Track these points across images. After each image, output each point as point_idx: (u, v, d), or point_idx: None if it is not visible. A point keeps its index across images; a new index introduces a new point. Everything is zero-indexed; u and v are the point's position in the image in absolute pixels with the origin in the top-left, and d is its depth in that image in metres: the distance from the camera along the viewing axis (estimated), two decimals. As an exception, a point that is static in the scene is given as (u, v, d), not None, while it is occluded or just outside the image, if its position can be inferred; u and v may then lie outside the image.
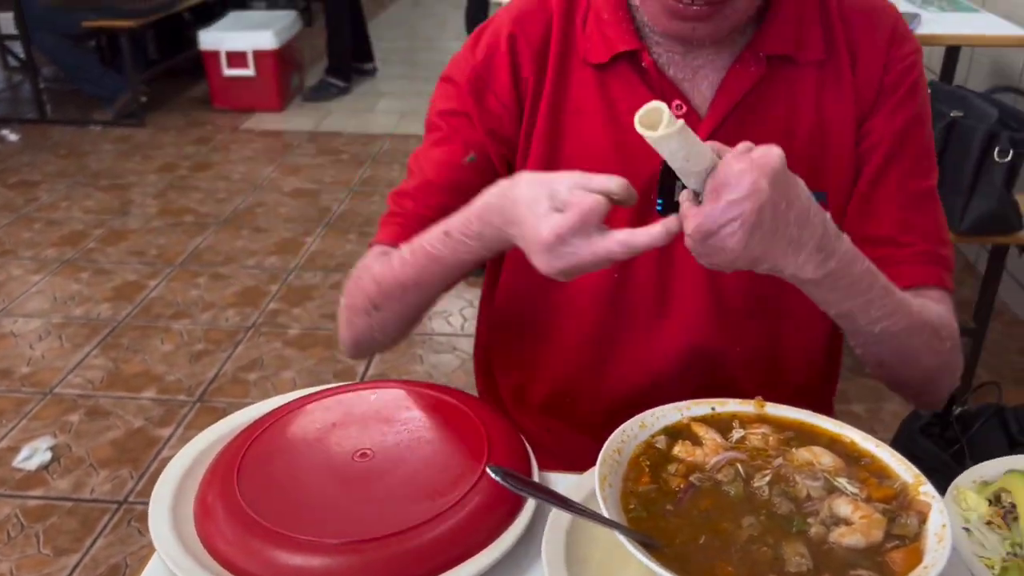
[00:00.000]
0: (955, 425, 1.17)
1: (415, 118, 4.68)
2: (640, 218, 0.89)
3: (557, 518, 0.64)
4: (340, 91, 5.01)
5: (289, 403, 0.76)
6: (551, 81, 0.93)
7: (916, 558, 0.55)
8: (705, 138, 0.82)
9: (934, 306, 0.89)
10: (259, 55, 4.55)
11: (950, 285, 0.93)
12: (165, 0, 4.46)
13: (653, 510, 0.60)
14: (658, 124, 0.64)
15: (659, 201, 0.84)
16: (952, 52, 2.54)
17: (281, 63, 4.65)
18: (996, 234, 2.11)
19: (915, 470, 0.62)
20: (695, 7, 0.81)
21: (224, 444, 0.70)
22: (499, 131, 0.95)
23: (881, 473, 0.63)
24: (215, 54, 4.56)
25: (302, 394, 0.78)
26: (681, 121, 0.66)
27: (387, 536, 0.60)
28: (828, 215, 0.74)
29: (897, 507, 0.61)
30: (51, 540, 1.91)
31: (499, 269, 1.04)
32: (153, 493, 0.66)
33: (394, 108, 4.92)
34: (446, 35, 6.54)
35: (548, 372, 1.01)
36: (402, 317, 0.94)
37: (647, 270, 0.92)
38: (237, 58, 4.55)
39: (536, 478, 0.69)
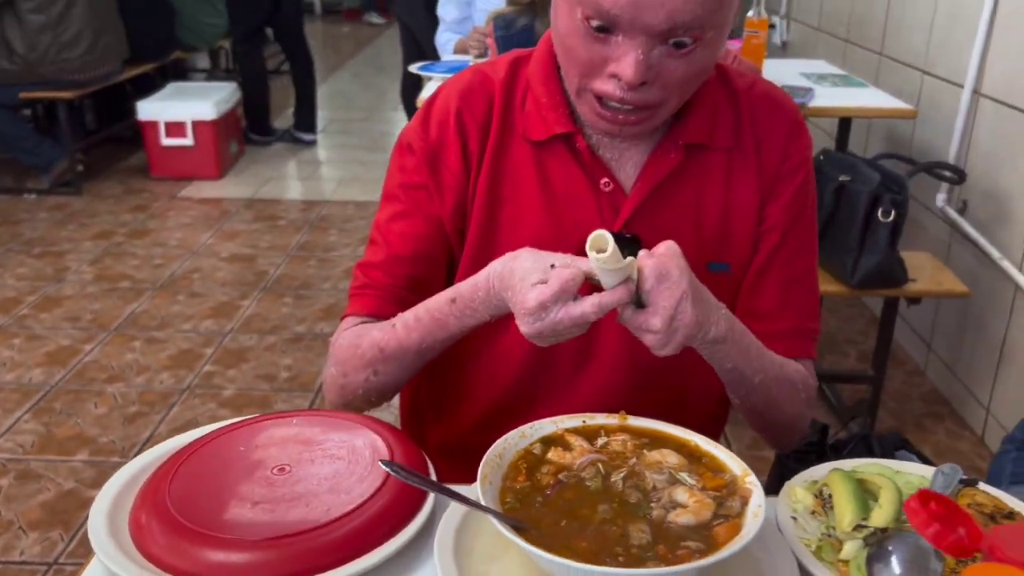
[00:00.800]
0: (829, 453, 1.30)
1: (353, 185, 4.81)
2: None
3: (448, 517, 0.75)
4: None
5: (218, 428, 0.85)
6: (491, 154, 1.01)
7: (736, 531, 0.67)
8: (630, 214, 0.97)
9: (796, 366, 1.02)
10: (198, 125, 4.65)
11: (814, 354, 1.06)
12: (105, 72, 4.53)
13: (526, 502, 0.71)
14: (605, 244, 0.76)
15: None
16: (845, 123, 2.78)
17: (220, 132, 4.76)
18: (885, 288, 2.30)
19: (744, 465, 0.74)
20: (621, 115, 0.91)
21: (158, 464, 0.79)
22: (452, 201, 1.01)
23: (717, 468, 0.76)
24: (154, 124, 4.64)
25: (231, 422, 0.87)
26: (630, 259, 0.79)
27: (301, 532, 0.70)
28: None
29: (726, 493, 0.73)
30: (-21, 601, 1.92)
31: None
32: (91, 508, 0.75)
33: (332, 175, 5.05)
34: (384, 106, 6.73)
35: (472, 422, 1.07)
36: (399, 381, 1.00)
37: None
38: (176, 128, 4.64)
39: (431, 502, 0.79)
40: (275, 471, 0.79)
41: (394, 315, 1.00)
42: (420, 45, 4.28)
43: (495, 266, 0.87)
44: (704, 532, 0.68)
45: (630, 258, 0.79)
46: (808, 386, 1.03)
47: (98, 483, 2.29)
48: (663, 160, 0.99)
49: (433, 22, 3.52)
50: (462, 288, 0.90)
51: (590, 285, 0.81)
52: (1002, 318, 2.43)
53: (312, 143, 5.61)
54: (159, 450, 0.83)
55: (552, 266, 0.81)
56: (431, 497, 0.77)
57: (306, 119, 5.58)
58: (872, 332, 3.16)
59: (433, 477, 0.81)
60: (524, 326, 0.81)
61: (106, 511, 0.74)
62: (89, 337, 3.07)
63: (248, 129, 5.46)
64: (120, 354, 2.96)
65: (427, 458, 0.82)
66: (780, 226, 1.02)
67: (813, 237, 1.06)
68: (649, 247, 0.96)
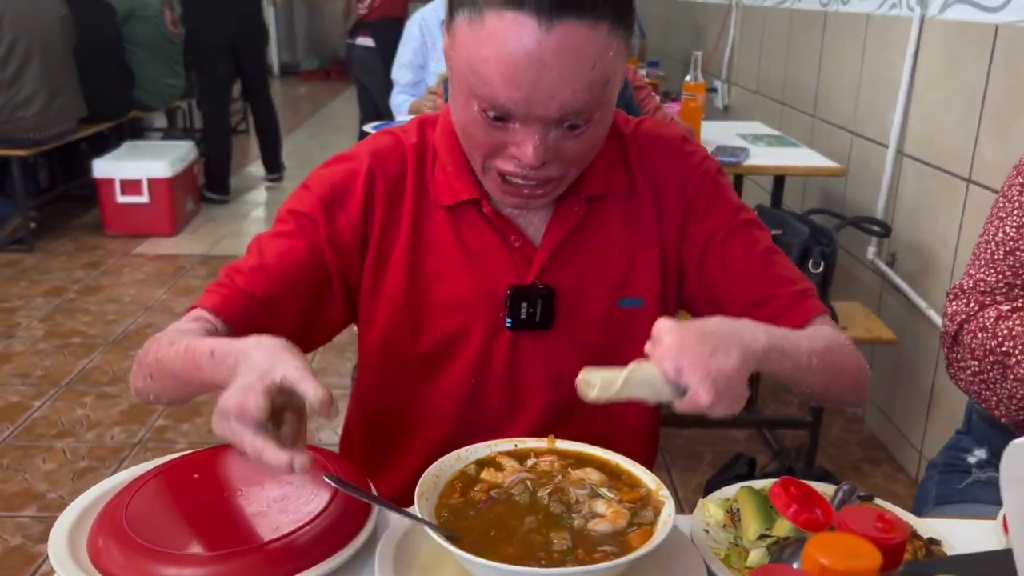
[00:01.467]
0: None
1: (308, 242, 4.85)
2: (493, 333, 1.05)
3: (389, 534, 0.81)
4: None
5: (174, 458, 0.91)
6: (408, 219, 1.05)
7: (648, 537, 0.74)
8: (541, 267, 1.02)
9: (824, 328, 1.04)
10: (153, 183, 4.69)
11: (823, 306, 1.08)
12: (60, 131, 4.57)
13: (459, 516, 0.78)
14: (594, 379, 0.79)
15: (508, 320, 1.03)
16: (779, 180, 2.93)
17: (176, 190, 4.80)
18: (818, 335, 2.40)
19: (658, 480, 0.82)
20: (526, 189, 0.96)
21: (116, 491, 0.85)
22: (341, 245, 1.04)
23: (634, 483, 0.83)
24: (109, 181, 4.67)
25: (186, 453, 0.93)
26: (627, 370, 0.80)
27: (252, 547, 0.75)
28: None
29: (640, 505, 0.80)
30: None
31: (368, 373, 1.13)
32: (51, 533, 0.80)
33: (287, 233, 5.08)
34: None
35: (408, 469, 1.08)
36: (172, 395, 0.99)
37: (500, 377, 1.06)
38: (131, 186, 4.68)
39: (375, 510, 0.85)
40: (227, 495, 0.84)
41: (234, 320, 1.00)
42: (377, 105, 4.41)
43: (247, 343, 0.83)
44: (620, 538, 0.75)
45: (626, 371, 0.80)
46: (842, 336, 1.06)
47: (46, 538, 2.27)
48: (567, 214, 1.05)
49: (390, 83, 3.64)
50: (222, 346, 0.86)
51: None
52: (930, 364, 2.56)
53: (279, 179, 6.03)
54: (118, 478, 0.88)
55: (270, 381, 0.77)
56: (373, 516, 0.83)
57: (273, 161, 5.96)
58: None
59: (376, 513, 0.86)
60: (214, 419, 0.78)
61: (66, 535, 0.79)
62: (39, 393, 3.06)
63: (205, 187, 5.54)
64: (70, 410, 2.95)
65: (370, 483, 0.88)
66: (721, 229, 1.07)
67: (756, 222, 1.11)
68: (562, 295, 1.04)
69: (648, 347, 0.83)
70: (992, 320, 1.13)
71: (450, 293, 1.05)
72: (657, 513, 0.78)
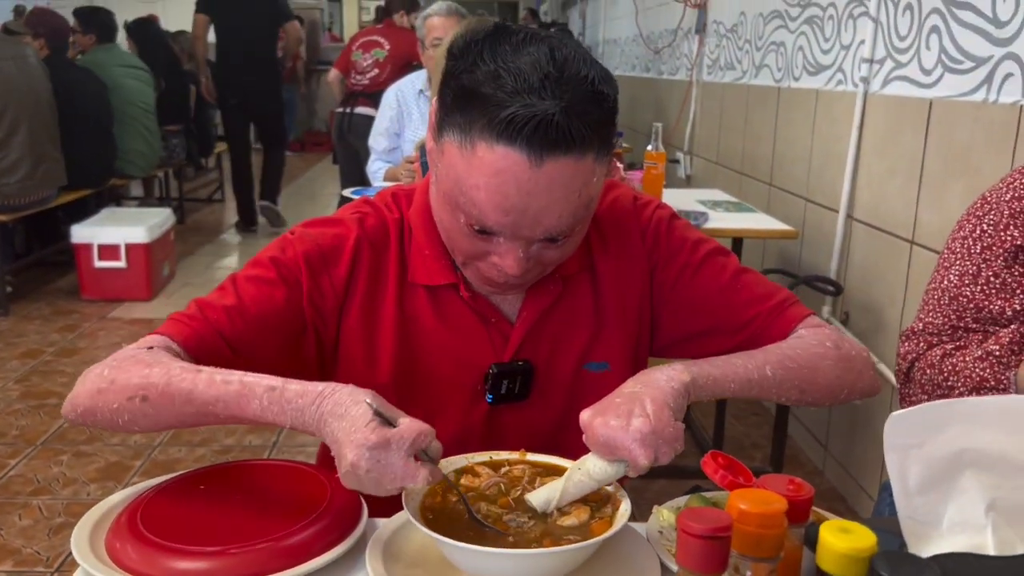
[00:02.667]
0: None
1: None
2: (471, 406, 1.09)
3: (379, 532, 0.91)
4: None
5: (183, 473, 1.00)
6: (393, 294, 1.08)
7: (608, 526, 0.85)
8: (519, 343, 1.08)
9: (800, 332, 1.09)
10: (131, 248, 4.76)
11: (806, 311, 1.13)
12: (41, 197, 4.66)
13: (440, 513, 0.89)
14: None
15: (490, 396, 1.09)
16: (737, 242, 3.09)
17: (153, 255, 4.87)
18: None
19: (618, 486, 0.93)
20: (508, 286, 1.03)
21: (131, 499, 0.94)
22: (320, 307, 1.06)
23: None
24: (87, 246, 4.73)
25: (194, 469, 1.02)
26: (558, 492, 0.89)
27: (254, 542, 0.84)
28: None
29: (602, 502, 0.91)
30: None
31: None
32: (73, 534, 0.89)
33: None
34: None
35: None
36: (157, 423, 0.94)
37: (478, 445, 1.04)
38: (109, 251, 4.74)
39: (365, 519, 0.94)
40: (235, 498, 0.94)
41: (200, 356, 0.98)
42: (362, 169, 4.59)
43: (339, 388, 0.87)
44: (583, 530, 0.86)
45: (562, 481, 0.89)
46: (822, 334, 1.09)
47: (22, 592, 2.30)
48: (543, 293, 1.10)
49: None
50: (290, 384, 0.88)
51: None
52: (883, 416, 2.68)
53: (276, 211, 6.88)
54: (132, 490, 0.98)
55: (388, 419, 0.83)
56: (363, 519, 0.93)
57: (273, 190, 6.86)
58: (763, 425, 3.40)
59: (365, 514, 0.95)
60: (354, 457, 0.81)
61: (87, 536, 0.88)
62: (15, 452, 3.08)
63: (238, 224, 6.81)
64: (46, 468, 2.97)
65: (361, 497, 0.97)
66: (687, 267, 1.12)
67: (718, 250, 1.15)
68: (538, 367, 1.10)
69: (584, 440, 0.90)
70: (939, 358, 1.25)
71: (432, 368, 1.09)
72: (616, 509, 0.89)
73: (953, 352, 1.24)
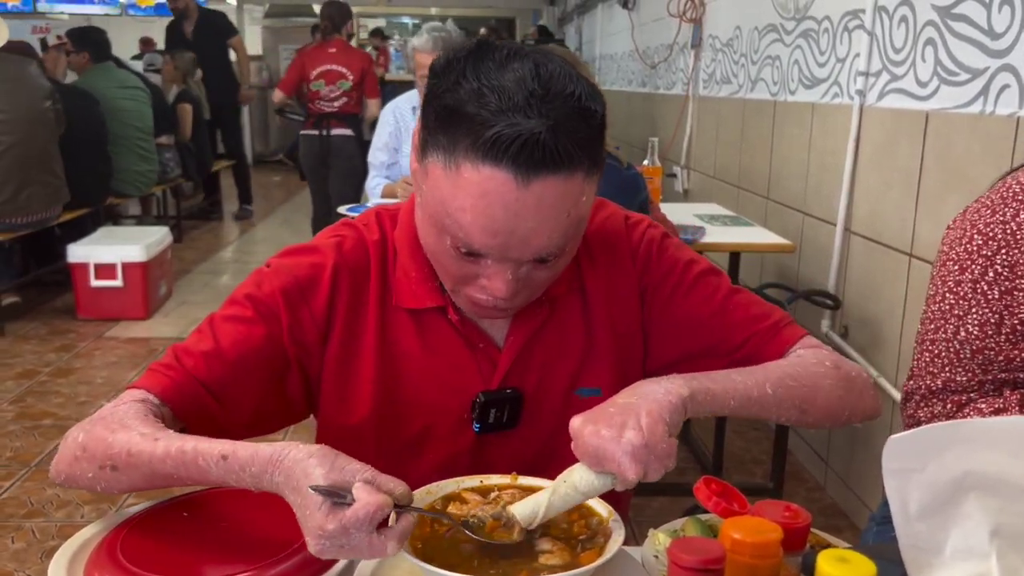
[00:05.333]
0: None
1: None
2: (458, 434, 1.06)
3: (365, 562, 0.88)
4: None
5: (164, 500, 0.98)
6: (374, 320, 1.05)
7: (599, 555, 0.83)
8: (507, 369, 1.05)
9: (797, 351, 1.07)
10: (128, 267, 4.74)
11: (801, 331, 1.10)
12: (39, 218, 4.65)
13: (428, 542, 0.87)
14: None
15: (477, 425, 1.05)
16: (735, 256, 3.08)
17: (149, 274, 4.85)
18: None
19: (610, 508, 0.90)
20: (496, 310, 0.99)
21: (110, 528, 0.91)
22: (302, 340, 1.03)
23: (588, 513, 0.91)
24: (84, 266, 4.72)
25: (175, 495, 0.99)
26: (543, 505, 0.87)
27: (235, 573, 0.82)
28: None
29: (591, 533, 0.89)
30: None
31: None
32: (51, 564, 0.86)
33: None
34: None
35: None
36: (139, 487, 0.93)
37: (466, 473, 1.00)
38: (106, 270, 4.72)
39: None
40: (219, 526, 0.92)
41: (181, 407, 0.96)
42: (356, 187, 4.62)
43: (285, 454, 0.82)
44: (572, 563, 0.83)
45: (547, 493, 0.87)
46: (821, 354, 1.07)
47: (13, 617, 2.27)
48: (531, 316, 1.07)
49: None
50: (240, 451, 0.85)
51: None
52: (884, 432, 2.66)
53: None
54: (112, 519, 0.95)
55: (344, 488, 0.78)
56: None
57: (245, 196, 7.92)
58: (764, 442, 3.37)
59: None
60: (313, 546, 0.78)
61: (65, 566, 0.85)
62: (9, 474, 3.05)
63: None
64: (40, 490, 2.94)
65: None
66: (678, 288, 1.09)
67: (711, 271, 1.12)
68: (528, 393, 1.06)
69: (572, 448, 0.86)
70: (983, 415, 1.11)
71: (416, 396, 1.06)
72: (608, 537, 0.86)
73: (987, 414, 1.12)
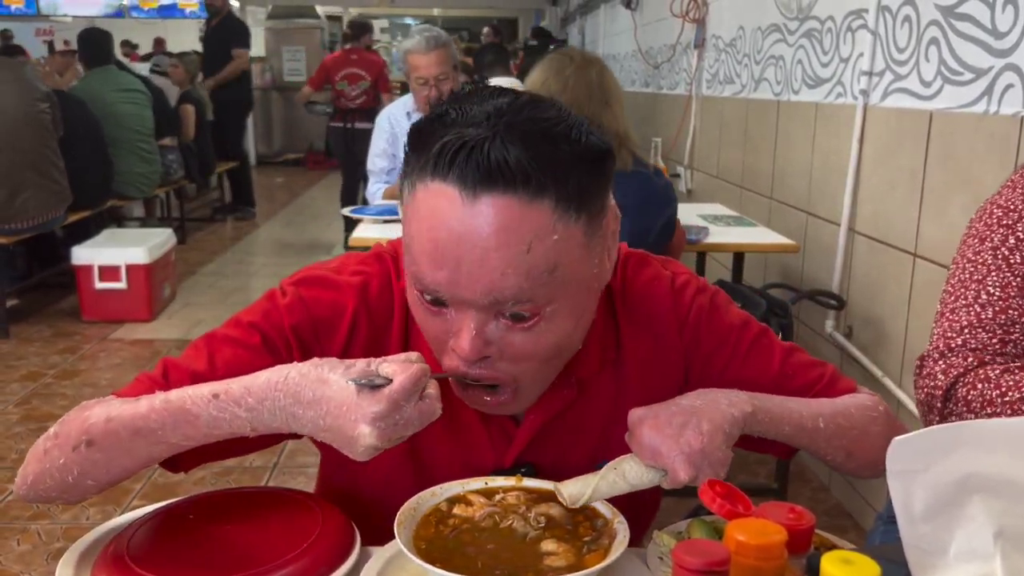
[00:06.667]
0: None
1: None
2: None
3: (371, 564, 0.88)
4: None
5: (169, 503, 0.98)
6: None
7: (604, 557, 0.83)
8: (523, 447, 0.98)
9: (857, 395, 1.05)
10: (132, 269, 4.75)
11: (852, 381, 1.07)
12: (44, 221, 4.66)
13: (432, 543, 0.86)
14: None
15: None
16: (739, 257, 3.08)
17: (153, 276, 4.86)
18: (780, 403, 2.50)
19: (615, 510, 0.90)
20: (487, 396, 0.89)
21: (118, 531, 0.93)
22: None
23: (593, 515, 0.91)
24: (88, 268, 4.72)
25: (182, 498, 1.00)
26: (590, 487, 0.88)
27: (242, 575, 0.82)
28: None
29: (596, 535, 0.89)
30: None
31: (329, 486, 1.09)
32: (59, 566, 0.87)
33: (264, 317, 5.16)
34: (316, 252, 6.95)
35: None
36: (110, 466, 0.87)
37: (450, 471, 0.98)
38: (110, 272, 4.73)
39: (358, 547, 0.92)
40: (227, 527, 0.92)
41: None
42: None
43: (285, 374, 0.79)
44: (577, 565, 0.83)
45: (596, 478, 0.87)
46: (873, 400, 1.05)
47: (19, 619, 2.27)
48: (556, 397, 0.98)
49: None
50: (233, 387, 0.80)
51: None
52: (888, 431, 2.66)
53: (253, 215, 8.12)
54: (120, 521, 0.96)
55: (369, 375, 0.77)
56: (356, 549, 0.90)
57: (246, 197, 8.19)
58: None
59: (358, 545, 0.93)
60: (370, 433, 0.76)
61: (72, 569, 0.86)
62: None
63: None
64: (45, 492, 2.95)
65: (352, 524, 0.94)
66: (733, 359, 1.02)
67: (763, 330, 1.06)
68: (541, 470, 0.98)
69: (627, 438, 0.87)
70: (997, 373, 1.12)
71: (422, 466, 1.01)
72: (612, 539, 0.86)
73: (1016, 370, 1.12)
